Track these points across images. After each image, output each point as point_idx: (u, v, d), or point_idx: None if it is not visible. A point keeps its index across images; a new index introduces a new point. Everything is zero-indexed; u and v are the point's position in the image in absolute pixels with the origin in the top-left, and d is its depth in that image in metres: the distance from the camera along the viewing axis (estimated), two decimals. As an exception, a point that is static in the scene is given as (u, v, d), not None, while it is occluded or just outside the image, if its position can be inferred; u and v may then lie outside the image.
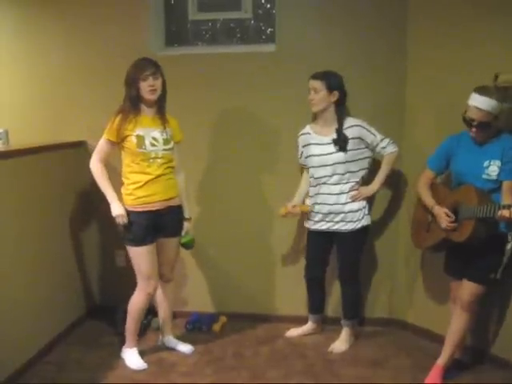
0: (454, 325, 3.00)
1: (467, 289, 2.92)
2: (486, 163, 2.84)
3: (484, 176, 2.84)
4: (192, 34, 3.98)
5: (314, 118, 3.44)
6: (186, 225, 3.32)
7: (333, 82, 3.29)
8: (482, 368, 3.20)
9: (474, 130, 2.82)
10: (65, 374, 3.19)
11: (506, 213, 2.60)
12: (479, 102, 2.75)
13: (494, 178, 2.82)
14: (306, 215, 3.51)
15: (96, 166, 3.10)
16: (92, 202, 3.84)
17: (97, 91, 3.78)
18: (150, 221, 3.10)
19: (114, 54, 3.72)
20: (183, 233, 3.31)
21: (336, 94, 3.30)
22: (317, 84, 3.29)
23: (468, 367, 3.18)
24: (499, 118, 2.78)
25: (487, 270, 2.88)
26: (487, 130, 2.81)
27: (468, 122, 2.83)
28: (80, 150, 3.80)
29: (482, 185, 2.84)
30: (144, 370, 3.22)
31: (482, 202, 2.75)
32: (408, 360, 3.34)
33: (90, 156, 3.13)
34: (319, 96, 3.30)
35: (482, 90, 2.77)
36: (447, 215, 2.93)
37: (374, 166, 3.41)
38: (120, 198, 3.11)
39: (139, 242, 3.10)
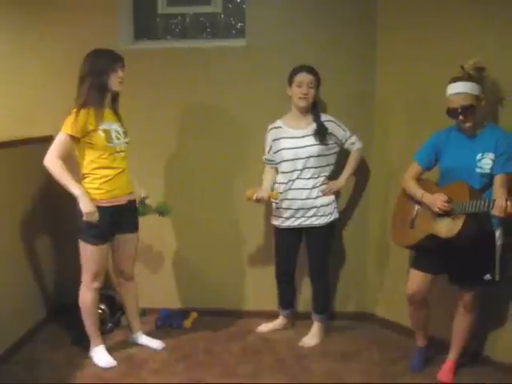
0: (459, 327, 2.96)
1: (465, 295, 2.88)
2: (478, 156, 2.74)
3: (477, 170, 2.73)
4: (161, 28, 3.94)
5: (305, 111, 3.34)
6: (147, 202, 3.31)
7: (318, 77, 3.30)
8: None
9: (461, 118, 2.71)
10: (33, 373, 3.13)
11: (503, 203, 2.47)
12: (455, 88, 2.72)
13: (488, 171, 2.71)
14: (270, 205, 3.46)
15: (55, 163, 2.88)
16: (55, 198, 3.75)
17: (62, 85, 3.66)
18: (113, 217, 3.04)
19: (81, 47, 3.60)
20: (145, 202, 3.32)
21: (319, 90, 3.30)
22: (312, 78, 3.26)
23: (431, 358, 3.19)
24: (482, 99, 2.73)
25: (480, 273, 2.81)
26: (473, 114, 2.71)
27: (453, 114, 2.75)
28: (46, 145, 3.69)
29: (475, 180, 2.73)
30: (113, 367, 3.18)
31: (475, 197, 2.63)
32: (379, 353, 3.38)
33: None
34: (313, 91, 3.28)
35: (455, 78, 2.75)
36: (440, 197, 2.75)
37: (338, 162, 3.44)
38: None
39: (102, 239, 3.03)
